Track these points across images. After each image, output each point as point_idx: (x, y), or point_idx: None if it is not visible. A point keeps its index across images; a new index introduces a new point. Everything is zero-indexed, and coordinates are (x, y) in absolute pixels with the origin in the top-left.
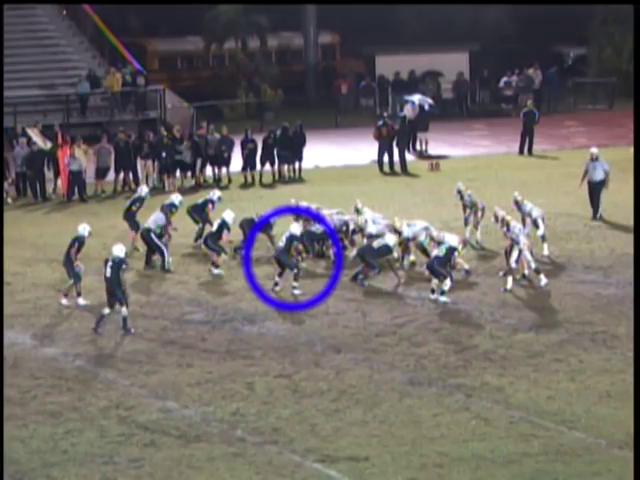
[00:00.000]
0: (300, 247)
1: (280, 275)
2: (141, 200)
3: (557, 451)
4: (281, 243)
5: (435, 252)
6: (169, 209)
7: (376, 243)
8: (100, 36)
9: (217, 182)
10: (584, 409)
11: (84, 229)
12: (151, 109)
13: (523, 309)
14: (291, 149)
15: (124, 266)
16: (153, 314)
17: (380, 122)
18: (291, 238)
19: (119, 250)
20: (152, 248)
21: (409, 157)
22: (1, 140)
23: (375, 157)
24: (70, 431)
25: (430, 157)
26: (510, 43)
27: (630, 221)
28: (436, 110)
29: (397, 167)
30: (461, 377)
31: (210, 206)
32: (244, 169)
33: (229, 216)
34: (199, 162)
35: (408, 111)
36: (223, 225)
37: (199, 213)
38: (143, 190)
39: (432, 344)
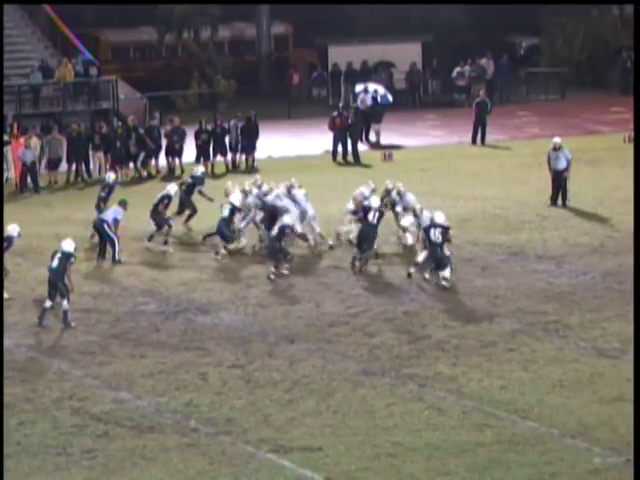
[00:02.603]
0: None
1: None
2: (109, 187)
3: (510, 440)
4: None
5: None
6: (162, 200)
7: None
8: (52, 27)
9: (170, 172)
10: (537, 398)
11: (13, 229)
12: (104, 100)
13: (476, 299)
14: (246, 139)
15: (72, 260)
16: (106, 305)
17: (335, 113)
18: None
19: (68, 245)
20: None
21: (362, 147)
22: (1, 134)
23: (328, 147)
24: (23, 422)
25: (383, 147)
26: (463, 33)
27: (585, 210)
28: (389, 102)
29: (350, 157)
30: (414, 367)
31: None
32: (197, 160)
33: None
34: (142, 155)
35: (363, 100)
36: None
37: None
38: (110, 177)
39: (385, 334)
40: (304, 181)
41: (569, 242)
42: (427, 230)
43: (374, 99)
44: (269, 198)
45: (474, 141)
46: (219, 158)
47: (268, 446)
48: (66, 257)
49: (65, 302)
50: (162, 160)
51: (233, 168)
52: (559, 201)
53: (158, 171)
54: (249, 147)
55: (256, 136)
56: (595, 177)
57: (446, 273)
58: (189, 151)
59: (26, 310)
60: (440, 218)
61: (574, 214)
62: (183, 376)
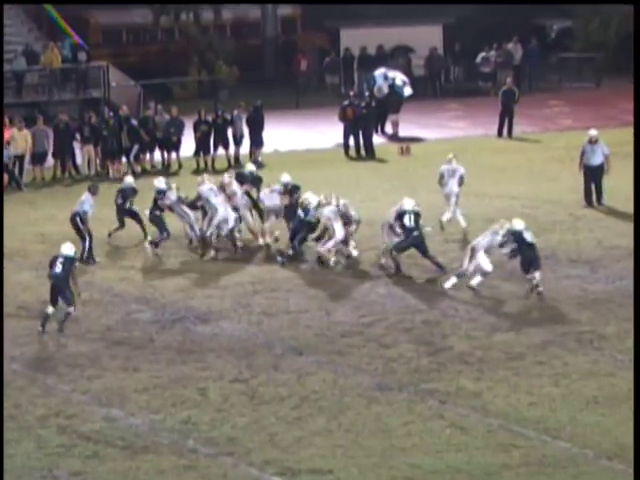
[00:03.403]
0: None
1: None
2: (124, 192)
3: (539, 462)
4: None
5: None
6: (159, 195)
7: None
8: (37, 8)
9: (166, 168)
10: (569, 416)
11: None
12: (93, 88)
13: (502, 307)
14: (253, 132)
15: (77, 264)
16: (96, 313)
17: (345, 102)
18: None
19: (69, 249)
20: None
21: (377, 140)
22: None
23: (340, 140)
24: (6, 441)
25: (400, 140)
26: (488, 15)
27: (620, 209)
28: (402, 95)
29: (364, 151)
30: (434, 382)
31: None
32: (197, 153)
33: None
34: (136, 148)
35: (380, 88)
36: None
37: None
38: (128, 181)
39: (402, 345)
40: (314, 177)
41: (604, 244)
42: (519, 235)
43: (391, 87)
44: (203, 188)
45: (500, 133)
46: (220, 152)
47: (274, 468)
48: (70, 262)
49: (71, 308)
50: (157, 154)
51: (236, 163)
52: (594, 200)
53: (153, 166)
54: (258, 140)
55: (262, 128)
56: (632, 173)
57: (538, 275)
58: (187, 144)
59: (9, 318)
60: (520, 225)
61: (609, 214)
62: (180, 391)
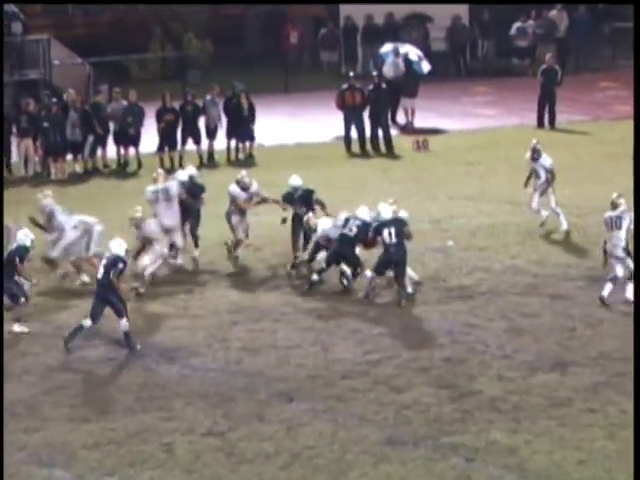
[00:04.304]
0: None
1: None
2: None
3: None
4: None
5: None
6: (16, 253)
7: None
8: None
9: (123, 166)
10: (628, 476)
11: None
12: (31, 67)
13: (543, 340)
14: (235, 122)
15: (122, 266)
16: (35, 350)
17: (345, 85)
18: None
19: (117, 245)
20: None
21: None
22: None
23: (340, 132)
24: None
25: (416, 132)
26: None
27: None
28: (421, 73)
29: (369, 146)
30: (459, 434)
31: None
32: (160, 149)
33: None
34: (91, 139)
35: (396, 66)
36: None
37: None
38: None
39: (419, 389)
40: (308, 178)
41: None
42: None
43: (408, 62)
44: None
45: (540, 123)
46: (190, 147)
47: None
48: (112, 262)
49: (124, 321)
50: (112, 149)
51: (209, 161)
52: None
53: (106, 165)
54: (246, 133)
55: (250, 117)
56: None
57: None
58: (148, 137)
59: None
60: None
61: None
62: (140, 447)
